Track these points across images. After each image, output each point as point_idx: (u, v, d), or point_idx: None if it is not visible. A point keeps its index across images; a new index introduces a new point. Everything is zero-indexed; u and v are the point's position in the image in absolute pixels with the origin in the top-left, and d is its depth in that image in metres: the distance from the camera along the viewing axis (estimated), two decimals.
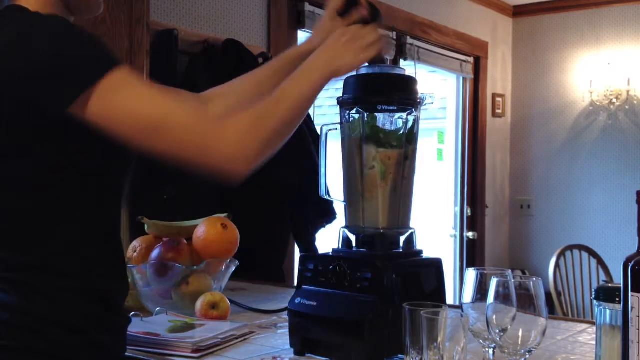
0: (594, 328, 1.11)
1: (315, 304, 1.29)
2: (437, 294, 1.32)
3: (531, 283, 1.05)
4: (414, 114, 1.33)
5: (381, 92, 1.30)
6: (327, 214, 2.67)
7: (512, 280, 1.06)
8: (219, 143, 1.05)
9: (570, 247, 4.02)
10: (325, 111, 4.81)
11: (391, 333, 1.17)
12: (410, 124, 1.33)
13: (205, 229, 1.71)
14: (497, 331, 1.05)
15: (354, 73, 1.30)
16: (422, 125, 1.36)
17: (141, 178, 2.03)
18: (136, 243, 1.77)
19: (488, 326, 1.06)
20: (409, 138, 1.33)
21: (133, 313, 1.44)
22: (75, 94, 1.01)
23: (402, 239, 1.34)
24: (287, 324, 1.38)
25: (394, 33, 3.69)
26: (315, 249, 2.68)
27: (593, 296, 1.08)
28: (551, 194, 4.71)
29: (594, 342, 1.12)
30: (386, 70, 1.32)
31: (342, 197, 1.37)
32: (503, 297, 1.05)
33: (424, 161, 3.55)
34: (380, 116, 1.33)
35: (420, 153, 1.39)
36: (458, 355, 0.99)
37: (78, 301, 1.09)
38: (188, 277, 1.66)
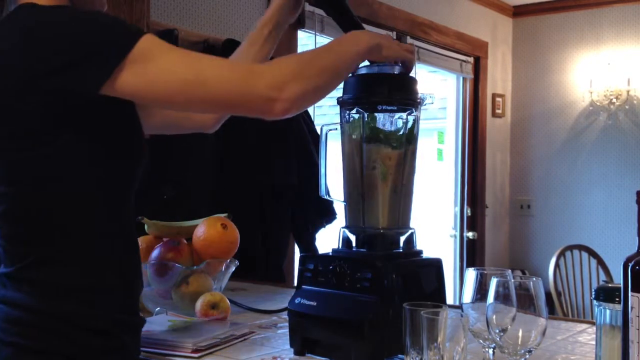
0: (594, 328, 1.10)
1: (315, 304, 1.29)
2: (437, 294, 1.31)
3: (531, 283, 1.05)
4: (414, 114, 1.33)
5: (381, 92, 1.30)
6: (327, 214, 2.67)
7: (512, 280, 1.06)
8: (260, 80, 1.07)
9: (570, 247, 4.01)
10: (325, 111, 4.81)
11: (391, 333, 1.17)
12: (410, 124, 1.33)
13: (205, 229, 1.71)
14: (497, 331, 1.05)
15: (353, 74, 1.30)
16: (422, 125, 1.36)
17: (141, 178, 2.02)
18: None
19: (488, 326, 1.06)
20: (409, 138, 1.33)
21: None
22: (108, 72, 1.01)
23: (402, 239, 1.34)
24: (287, 324, 1.37)
25: (394, 33, 3.69)
26: (315, 249, 2.67)
27: (593, 296, 1.08)
28: (551, 194, 4.71)
29: (594, 342, 1.12)
30: (386, 70, 1.32)
31: (342, 197, 1.37)
32: (503, 297, 1.05)
33: (424, 161, 3.54)
34: (380, 116, 1.33)
35: (420, 153, 1.39)
36: (458, 355, 0.99)
37: (101, 303, 1.10)
38: (188, 277, 1.66)
